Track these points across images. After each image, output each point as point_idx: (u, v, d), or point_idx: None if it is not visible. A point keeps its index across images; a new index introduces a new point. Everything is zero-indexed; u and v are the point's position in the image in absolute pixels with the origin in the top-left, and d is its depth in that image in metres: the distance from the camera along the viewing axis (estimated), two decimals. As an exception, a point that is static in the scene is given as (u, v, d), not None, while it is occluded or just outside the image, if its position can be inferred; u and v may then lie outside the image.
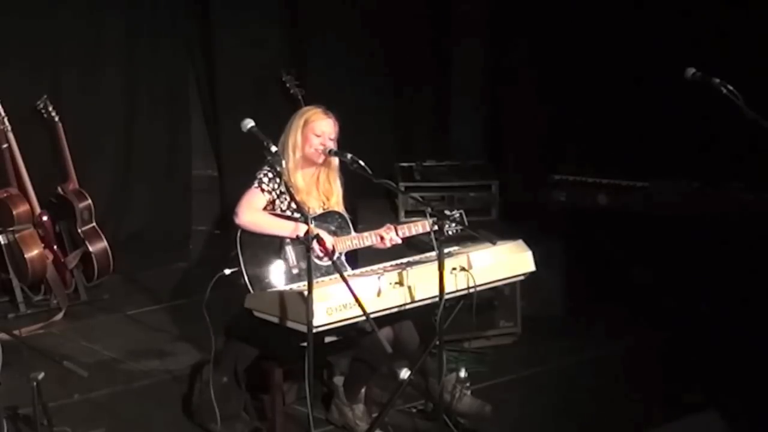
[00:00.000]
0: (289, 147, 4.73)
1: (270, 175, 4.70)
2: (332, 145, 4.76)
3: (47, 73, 6.67)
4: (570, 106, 7.13)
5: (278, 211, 4.72)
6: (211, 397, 4.57)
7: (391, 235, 4.76)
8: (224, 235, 6.89)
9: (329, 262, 4.55)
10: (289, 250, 4.69)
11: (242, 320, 4.46)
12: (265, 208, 4.70)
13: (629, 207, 6.46)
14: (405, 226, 4.81)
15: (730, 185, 6.26)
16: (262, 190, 4.68)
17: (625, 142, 6.70)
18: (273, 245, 4.67)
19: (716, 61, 4.46)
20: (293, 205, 4.68)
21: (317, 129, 4.75)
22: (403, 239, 4.81)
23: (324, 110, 4.83)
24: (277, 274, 4.63)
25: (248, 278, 4.56)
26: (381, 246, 4.80)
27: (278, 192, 4.71)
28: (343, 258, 4.81)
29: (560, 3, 7.05)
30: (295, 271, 4.66)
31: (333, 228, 4.79)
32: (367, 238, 4.80)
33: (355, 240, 4.79)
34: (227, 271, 4.54)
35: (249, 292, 4.52)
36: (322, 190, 4.85)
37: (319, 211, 4.80)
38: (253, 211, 4.66)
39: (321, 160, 4.76)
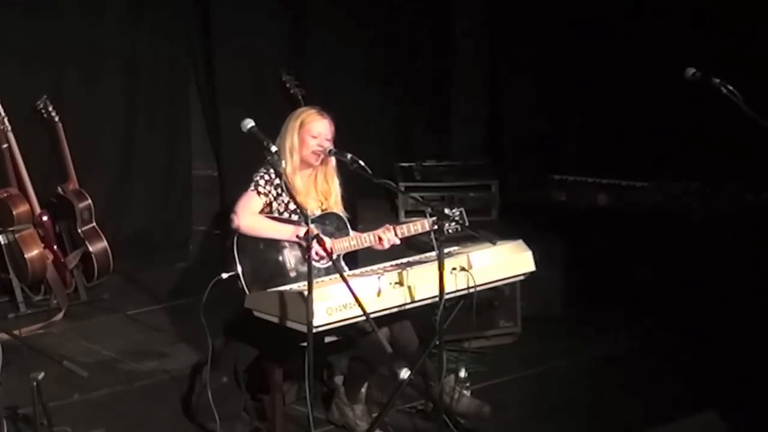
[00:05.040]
0: (286, 150, 4.71)
1: (266, 177, 4.69)
2: (329, 146, 4.75)
3: (47, 73, 6.66)
4: (570, 106, 7.14)
5: (275, 214, 4.71)
6: (210, 398, 4.57)
7: (389, 236, 4.76)
8: (224, 235, 6.88)
9: (327, 264, 4.56)
10: (287, 254, 4.68)
11: (242, 320, 4.46)
12: (261, 211, 4.70)
13: (629, 207, 6.47)
14: (404, 225, 4.81)
15: (730, 185, 6.26)
16: (259, 193, 4.67)
17: (625, 142, 6.70)
18: (270, 249, 4.66)
19: (716, 61, 4.46)
20: (291, 207, 4.68)
21: (314, 130, 4.74)
22: (402, 239, 4.81)
23: (318, 111, 4.82)
24: (275, 278, 4.61)
25: (245, 282, 4.55)
26: (379, 247, 4.80)
27: (275, 194, 4.71)
28: (341, 260, 4.81)
29: (560, 3, 7.06)
30: (293, 274, 4.65)
31: (331, 229, 4.78)
32: (366, 239, 4.79)
33: (353, 241, 4.79)
34: (224, 275, 4.53)
35: (246, 295, 4.52)
36: (321, 190, 4.85)
37: (318, 212, 4.79)
38: (250, 215, 4.65)
39: (319, 161, 4.76)
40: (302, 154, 4.75)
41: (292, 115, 4.82)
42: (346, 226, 4.85)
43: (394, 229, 4.78)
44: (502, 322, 5.83)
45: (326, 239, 4.59)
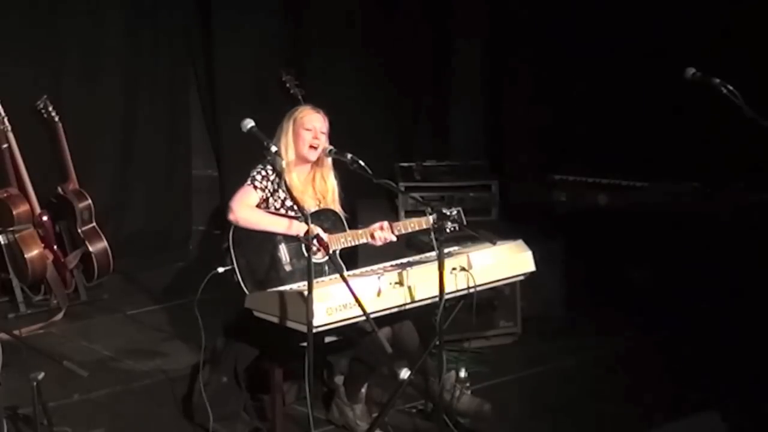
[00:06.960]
0: (281, 148, 4.72)
1: (263, 173, 4.70)
2: (324, 140, 4.77)
3: (47, 73, 6.66)
4: (570, 106, 7.14)
5: (272, 210, 4.72)
6: (205, 397, 4.57)
7: (385, 234, 4.76)
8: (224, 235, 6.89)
9: (324, 259, 4.57)
10: (282, 248, 4.69)
11: (242, 320, 4.46)
12: (258, 206, 4.71)
13: (629, 207, 6.46)
14: (401, 223, 4.81)
15: (730, 185, 6.26)
16: (255, 188, 4.69)
17: (625, 142, 6.70)
18: (266, 242, 4.67)
19: (716, 61, 4.46)
20: (287, 204, 4.69)
21: (307, 124, 4.76)
22: (399, 237, 4.81)
23: (313, 106, 4.85)
24: (270, 272, 4.62)
25: (241, 276, 4.56)
26: (374, 243, 4.79)
27: (271, 190, 4.72)
28: (337, 256, 4.81)
29: (560, 3, 7.06)
30: (288, 268, 4.66)
31: (326, 226, 4.78)
32: (361, 236, 4.79)
33: (349, 237, 4.79)
34: (220, 269, 4.55)
35: (242, 289, 4.52)
36: (318, 188, 4.86)
37: (314, 209, 4.79)
38: (246, 208, 4.66)
39: (314, 156, 4.77)
40: (298, 150, 4.76)
41: (286, 115, 4.84)
42: (342, 224, 4.85)
43: (391, 226, 4.78)
44: (502, 322, 5.83)
45: (323, 235, 4.59)
